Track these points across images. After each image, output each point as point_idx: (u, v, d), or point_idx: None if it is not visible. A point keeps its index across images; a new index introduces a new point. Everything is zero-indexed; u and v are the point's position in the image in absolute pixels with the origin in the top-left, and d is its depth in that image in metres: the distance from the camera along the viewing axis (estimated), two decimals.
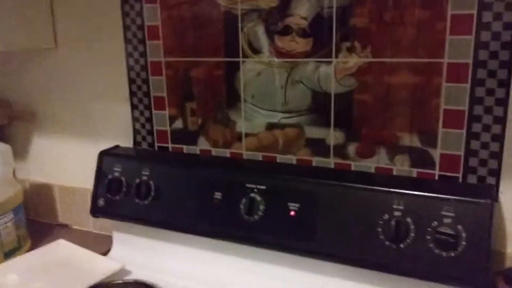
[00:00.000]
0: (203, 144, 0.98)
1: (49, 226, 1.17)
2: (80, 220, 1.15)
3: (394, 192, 0.73)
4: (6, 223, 0.96)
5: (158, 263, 0.94)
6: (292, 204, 0.79)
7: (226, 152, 0.95)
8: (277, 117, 0.89)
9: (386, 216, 0.73)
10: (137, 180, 0.92)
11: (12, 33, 1.00)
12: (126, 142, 1.05)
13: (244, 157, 0.94)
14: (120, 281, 0.90)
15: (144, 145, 1.03)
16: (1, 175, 0.97)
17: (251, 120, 0.92)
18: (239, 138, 0.94)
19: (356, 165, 0.84)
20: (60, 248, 1.00)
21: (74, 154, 1.13)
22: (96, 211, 0.97)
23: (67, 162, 1.15)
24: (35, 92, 1.15)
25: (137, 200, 0.92)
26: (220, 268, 0.89)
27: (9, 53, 1.15)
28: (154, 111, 1.01)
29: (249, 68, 0.89)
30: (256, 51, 0.88)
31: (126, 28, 0.99)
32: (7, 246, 0.97)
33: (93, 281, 0.86)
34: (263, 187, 0.82)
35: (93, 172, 1.03)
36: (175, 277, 0.89)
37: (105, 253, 1.00)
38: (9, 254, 0.98)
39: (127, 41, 0.99)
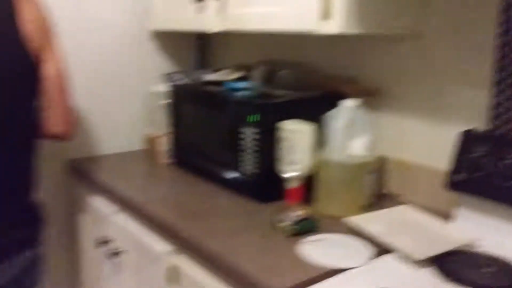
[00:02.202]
0: None
1: (378, 195, 1.30)
2: (409, 193, 1.26)
3: None
4: (370, 180, 1.13)
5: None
6: None
7: None
8: None
9: None
10: (505, 162, 0.98)
11: (388, 17, 1.14)
12: (475, 126, 1.12)
13: None
14: (472, 251, 0.97)
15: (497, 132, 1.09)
16: (370, 141, 1.14)
17: None
18: None
19: None
20: (409, 212, 1.13)
21: (416, 132, 1.25)
22: (452, 186, 1.07)
23: (406, 139, 1.28)
24: (385, 72, 1.30)
25: (501, 182, 0.98)
26: None
27: (367, 36, 1.33)
28: None
29: None
30: None
31: (501, 24, 1.06)
32: (367, 200, 1.14)
33: (449, 247, 0.96)
34: None
35: (434, 150, 1.12)
36: None
37: None
38: (365, 208, 1.14)
39: (498, 35, 1.06)
